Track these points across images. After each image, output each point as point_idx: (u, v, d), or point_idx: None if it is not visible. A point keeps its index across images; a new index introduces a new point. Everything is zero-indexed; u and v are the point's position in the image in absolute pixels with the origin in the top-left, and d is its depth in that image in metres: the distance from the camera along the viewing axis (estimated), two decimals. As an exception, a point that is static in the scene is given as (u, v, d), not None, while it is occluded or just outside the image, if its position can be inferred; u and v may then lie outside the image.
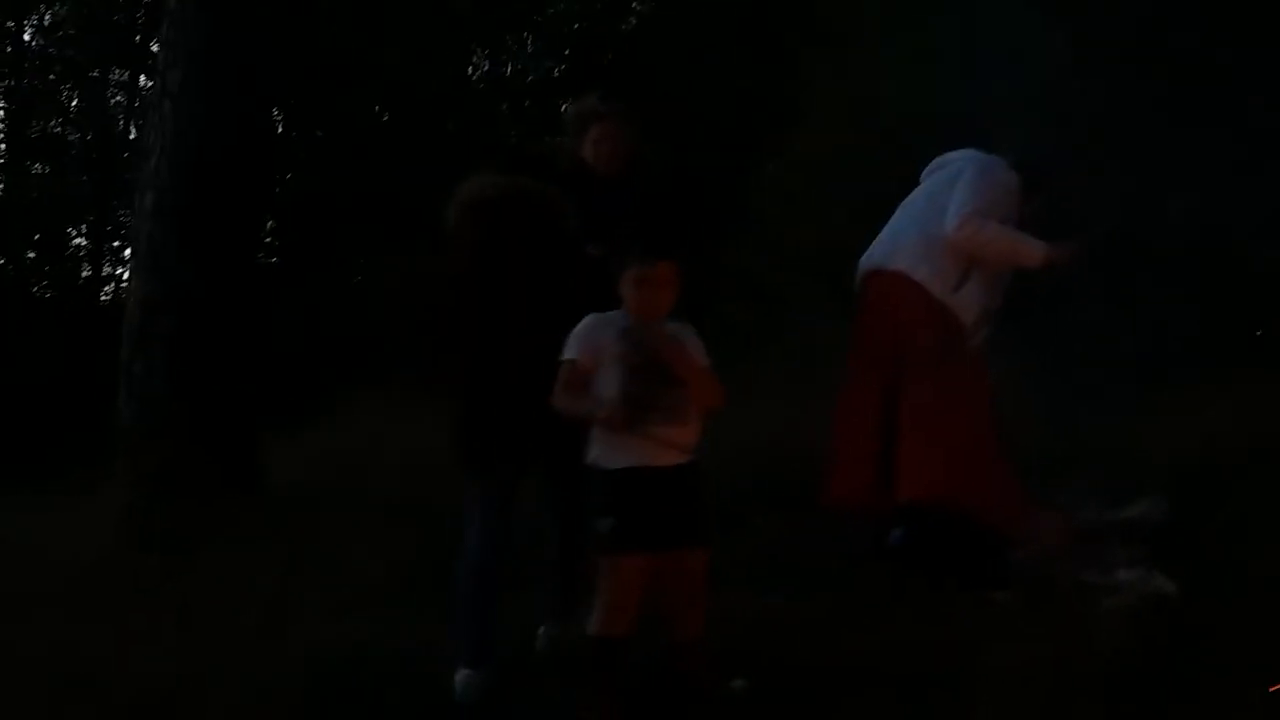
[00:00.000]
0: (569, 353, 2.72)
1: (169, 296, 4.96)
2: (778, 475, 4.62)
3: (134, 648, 3.44)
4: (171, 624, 3.66)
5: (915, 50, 8.08)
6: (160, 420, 4.91)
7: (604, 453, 2.70)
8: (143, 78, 13.91)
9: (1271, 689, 2.65)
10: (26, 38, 14.41)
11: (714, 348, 2.81)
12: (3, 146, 14.62)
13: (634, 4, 14.27)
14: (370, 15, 12.24)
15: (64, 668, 3.36)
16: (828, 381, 3.97)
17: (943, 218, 3.61)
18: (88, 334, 11.38)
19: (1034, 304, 3.90)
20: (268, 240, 12.29)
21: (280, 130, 12.99)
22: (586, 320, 2.75)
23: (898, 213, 3.86)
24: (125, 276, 13.23)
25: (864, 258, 3.82)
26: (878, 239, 3.82)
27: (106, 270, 14.62)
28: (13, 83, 14.32)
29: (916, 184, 3.93)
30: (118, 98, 14.73)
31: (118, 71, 14.66)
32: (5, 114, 14.56)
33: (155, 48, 8.89)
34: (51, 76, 14.42)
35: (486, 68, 14.45)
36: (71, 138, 14.60)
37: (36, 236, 13.95)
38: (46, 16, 14.28)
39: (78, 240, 14.47)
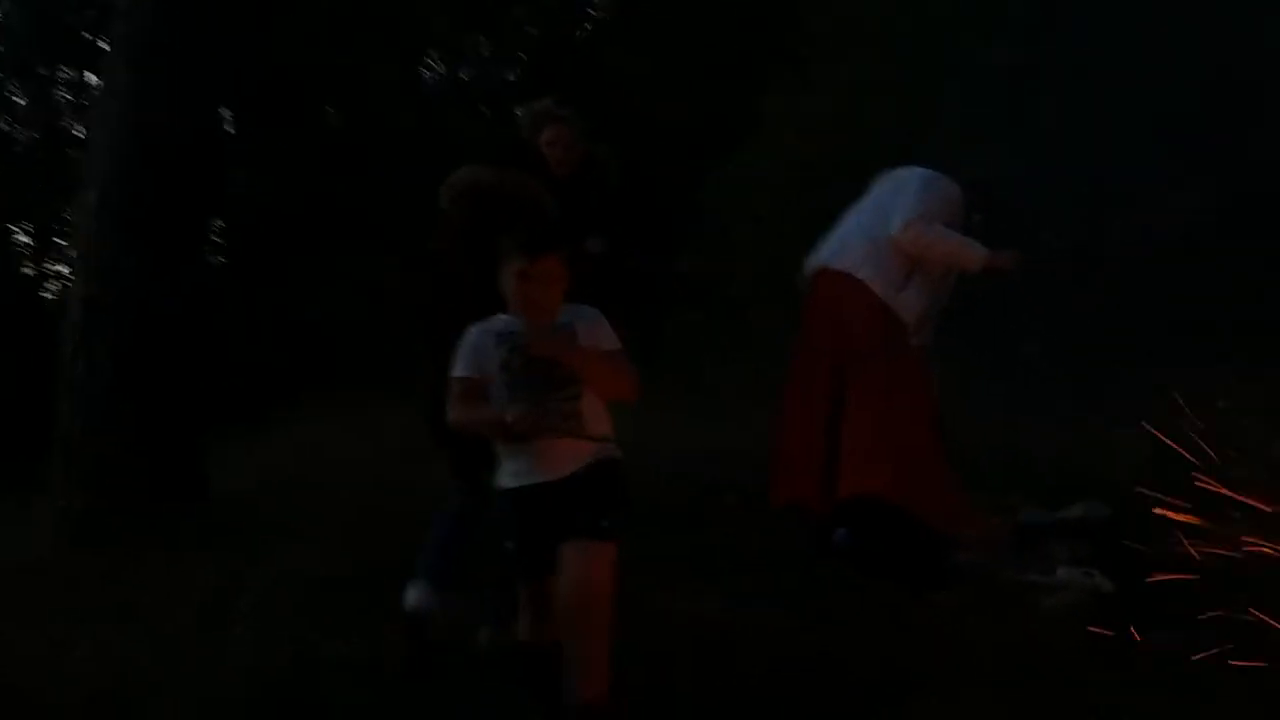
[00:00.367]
0: (457, 369, 2.53)
1: (111, 296, 4.89)
2: (731, 477, 4.66)
3: (69, 652, 3.37)
4: (109, 628, 3.59)
5: (871, 67, 8.23)
6: (101, 421, 4.84)
7: (501, 469, 2.56)
8: (90, 75, 13.74)
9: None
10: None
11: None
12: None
13: (590, 10, 14.31)
14: (324, 17, 12.15)
15: (-6, 672, 3.29)
16: (782, 385, 4.01)
17: (888, 222, 3.71)
18: (31, 333, 11.20)
19: (978, 308, 3.98)
20: (217, 242, 12.15)
21: (232, 131, 12.85)
22: (470, 330, 2.57)
23: (846, 217, 3.95)
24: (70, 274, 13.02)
25: (811, 258, 3.91)
26: (825, 240, 3.92)
27: (49, 268, 14.44)
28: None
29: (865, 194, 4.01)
30: (65, 96, 14.55)
31: (65, 70, 14.48)
32: (-48, 112, 14.30)
33: (104, 46, 8.77)
34: (-1, 73, 14.21)
35: (442, 71, 14.40)
36: (18, 135, 14.38)
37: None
38: (-5, 13, 14.08)
39: (22, 238, 14.30)
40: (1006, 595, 3.49)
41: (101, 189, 4.96)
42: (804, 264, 3.93)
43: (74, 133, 13.91)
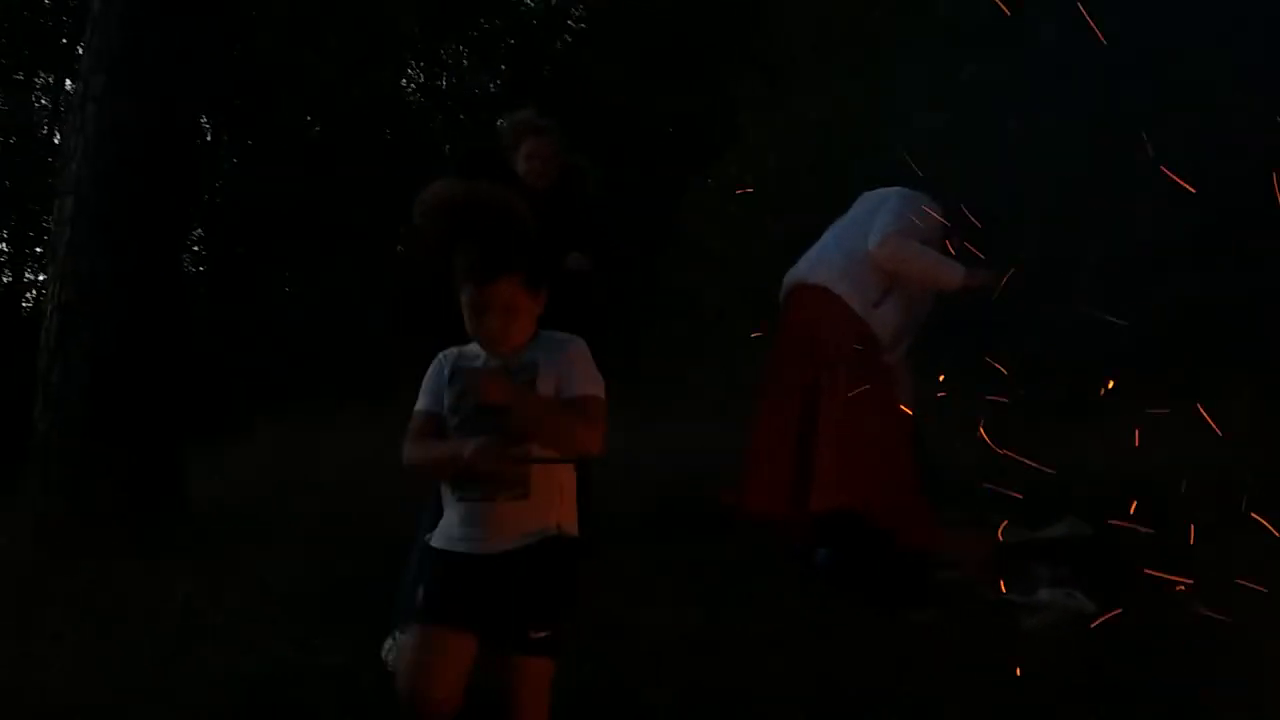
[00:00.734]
0: (419, 403, 2.23)
1: (88, 303, 4.85)
2: (710, 488, 4.66)
3: (41, 661, 3.34)
4: (82, 637, 3.56)
5: (846, 83, 8.30)
6: (77, 429, 4.80)
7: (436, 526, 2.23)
8: (67, 82, 13.65)
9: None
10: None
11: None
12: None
13: (569, 22, 14.36)
14: (304, 25, 12.14)
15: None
16: (758, 397, 4.02)
17: (866, 238, 3.74)
18: (8, 340, 11.11)
19: (957, 324, 4.01)
20: (195, 249, 12.10)
21: (210, 138, 12.81)
22: (439, 357, 2.27)
23: (825, 233, 4.00)
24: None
25: (789, 272, 3.95)
26: (804, 255, 3.95)
27: (28, 277, 14.33)
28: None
29: (845, 211, 4.05)
30: (42, 101, 14.49)
31: (42, 75, 14.40)
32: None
33: (80, 51, 8.72)
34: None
35: (421, 80, 14.42)
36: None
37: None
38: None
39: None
40: (986, 614, 3.49)
41: (78, 195, 4.92)
42: (783, 278, 3.96)
43: (53, 140, 13.85)
